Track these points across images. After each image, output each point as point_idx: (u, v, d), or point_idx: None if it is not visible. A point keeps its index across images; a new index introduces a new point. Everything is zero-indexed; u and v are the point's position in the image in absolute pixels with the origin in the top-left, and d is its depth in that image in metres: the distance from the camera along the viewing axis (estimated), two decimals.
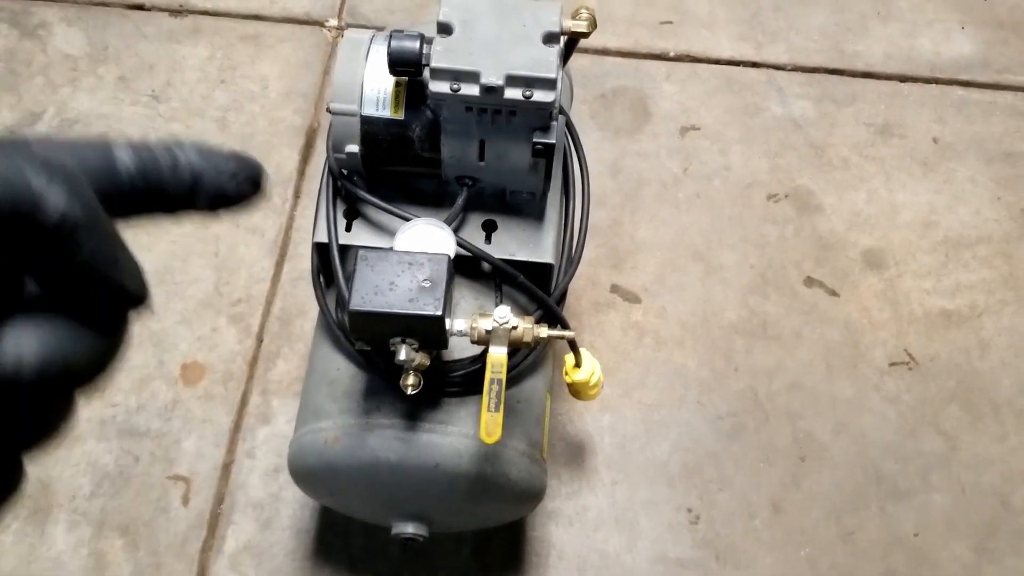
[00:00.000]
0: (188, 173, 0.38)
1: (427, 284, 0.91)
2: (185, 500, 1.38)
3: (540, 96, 0.94)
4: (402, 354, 0.93)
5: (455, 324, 0.97)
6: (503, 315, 0.95)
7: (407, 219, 1.04)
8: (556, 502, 1.38)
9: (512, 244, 1.08)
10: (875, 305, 1.53)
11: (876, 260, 1.57)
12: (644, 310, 1.52)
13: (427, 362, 0.95)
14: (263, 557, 1.34)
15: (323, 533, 1.34)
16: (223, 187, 0.39)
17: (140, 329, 1.49)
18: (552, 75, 0.94)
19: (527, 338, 0.97)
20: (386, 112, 1.00)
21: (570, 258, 1.17)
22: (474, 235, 1.09)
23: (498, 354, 0.93)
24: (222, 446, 1.41)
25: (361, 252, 0.93)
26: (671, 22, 1.81)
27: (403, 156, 1.03)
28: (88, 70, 1.76)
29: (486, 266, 1.09)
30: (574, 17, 0.98)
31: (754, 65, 1.77)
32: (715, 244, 1.58)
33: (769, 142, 1.68)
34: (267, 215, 1.60)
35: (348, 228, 1.09)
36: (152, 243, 1.57)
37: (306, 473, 1.08)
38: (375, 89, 1.00)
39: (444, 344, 0.94)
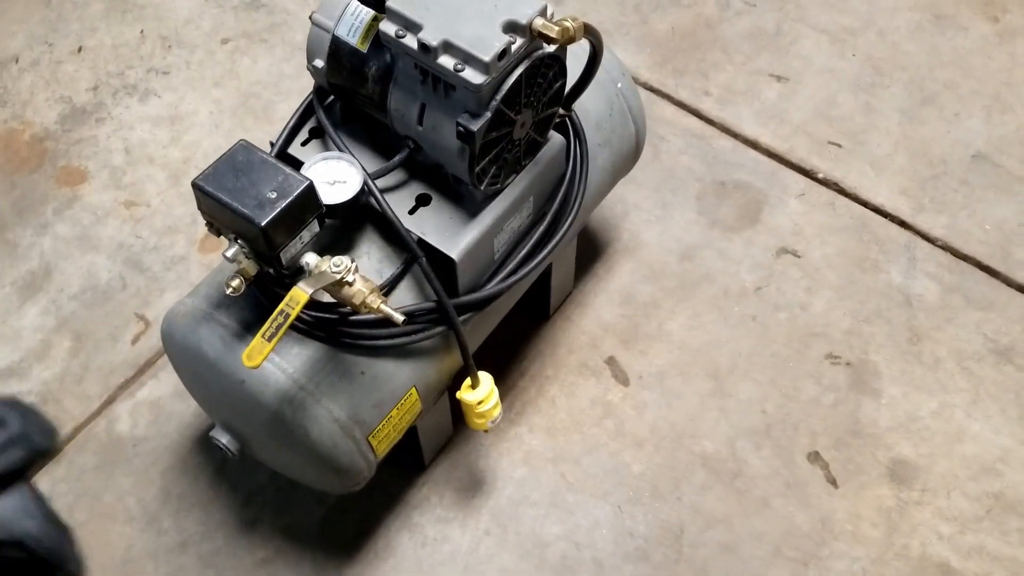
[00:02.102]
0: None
1: (272, 196, 0.90)
2: (136, 339, 1.46)
3: (470, 75, 0.90)
4: (230, 251, 0.93)
5: (306, 257, 0.96)
6: (339, 264, 0.93)
7: (341, 151, 1.04)
8: (424, 517, 1.31)
9: (429, 225, 1.05)
10: (871, 518, 1.30)
11: (903, 475, 1.33)
12: (625, 396, 1.40)
13: (253, 271, 0.94)
14: (160, 417, 1.39)
15: None
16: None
17: None
18: (486, 57, 0.89)
19: (356, 300, 0.94)
20: (353, 40, 1.00)
21: (509, 272, 1.11)
22: (404, 200, 1.07)
23: (302, 291, 0.90)
24: None
25: (241, 141, 0.94)
26: (840, 145, 1.65)
27: (358, 91, 1.03)
28: None
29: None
30: (551, 19, 0.92)
31: (901, 224, 1.56)
32: (740, 372, 1.42)
33: (865, 304, 1.48)
34: None
35: (305, 143, 1.11)
36: None
37: (162, 335, 1.11)
38: (355, 15, 1.00)
39: (273, 262, 0.93)
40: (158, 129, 1.68)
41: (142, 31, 1.81)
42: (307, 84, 1.73)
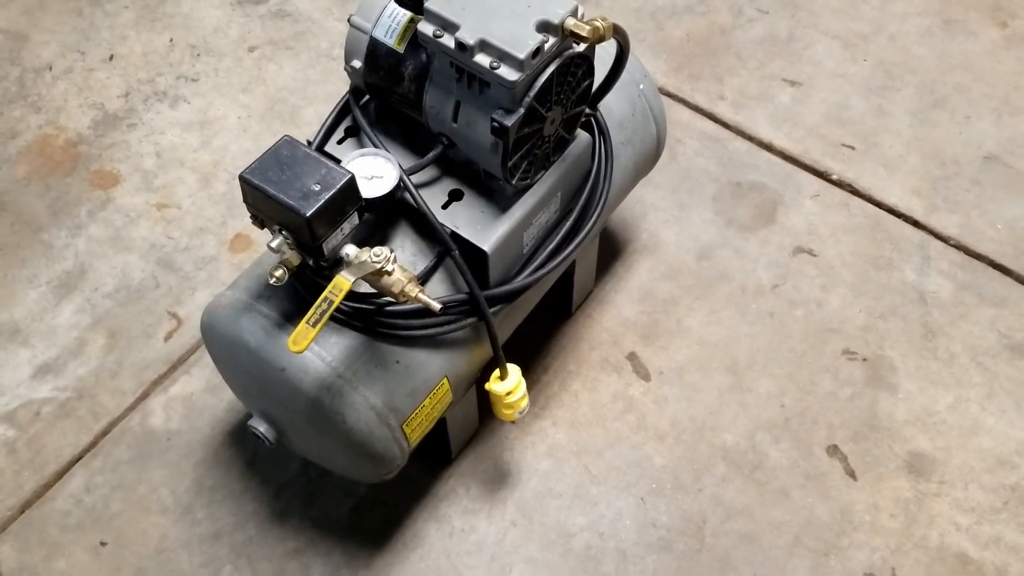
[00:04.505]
0: None
1: (316, 188, 0.94)
2: (168, 336, 1.50)
3: (505, 72, 0.94)
4: (274, 242, 0.96)
5: (347, 248, 0.99)
6: (379, 254, 0.96)
7: (377, 148, 1.08)
8: (451, 508, 1.34)
9: (461, 219, 1.08)
10: (889, 509, 1.33)
11: (921, 467, 1.36)
12: (646, 390, 1.43)
13: (296, 261, 0.98)
14: (192, 412, 1.42)
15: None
16: None
17: (226, 188, 1.65)
18: (520, 55, 0.93)
19: (396, 289, 0.97)
20: (391, 41, 1.04)
21: (537, 266, 1.15)
22: (437, 196, 1.10)
23: (345, 279, 0.94)
24: None
25: (286, 136, 0.98)
26: (853, 147, 1.69)
27: (394, 90, 1.07)
28: None
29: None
30: (582, 19, 0.96)
31: (915, 224, 1.60)
32: (758, 367, 1.45)
33: (880, 301, 1.51)
34: None
35: (341, 141, 1.15)
36: None
37: (202, 327, 1.15)
38: (392, 17, 1.04)
39: (315, 253, 0.96)
40: (188, 134, 1.72)
41: (171, 39, 1.86)
42: (332, 89, 1.79)
